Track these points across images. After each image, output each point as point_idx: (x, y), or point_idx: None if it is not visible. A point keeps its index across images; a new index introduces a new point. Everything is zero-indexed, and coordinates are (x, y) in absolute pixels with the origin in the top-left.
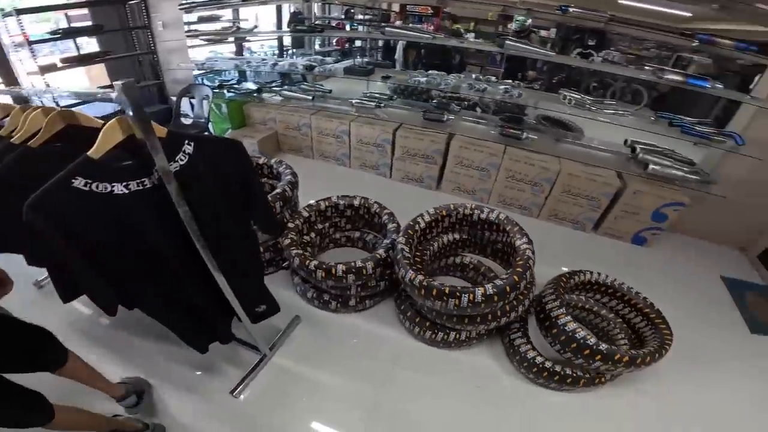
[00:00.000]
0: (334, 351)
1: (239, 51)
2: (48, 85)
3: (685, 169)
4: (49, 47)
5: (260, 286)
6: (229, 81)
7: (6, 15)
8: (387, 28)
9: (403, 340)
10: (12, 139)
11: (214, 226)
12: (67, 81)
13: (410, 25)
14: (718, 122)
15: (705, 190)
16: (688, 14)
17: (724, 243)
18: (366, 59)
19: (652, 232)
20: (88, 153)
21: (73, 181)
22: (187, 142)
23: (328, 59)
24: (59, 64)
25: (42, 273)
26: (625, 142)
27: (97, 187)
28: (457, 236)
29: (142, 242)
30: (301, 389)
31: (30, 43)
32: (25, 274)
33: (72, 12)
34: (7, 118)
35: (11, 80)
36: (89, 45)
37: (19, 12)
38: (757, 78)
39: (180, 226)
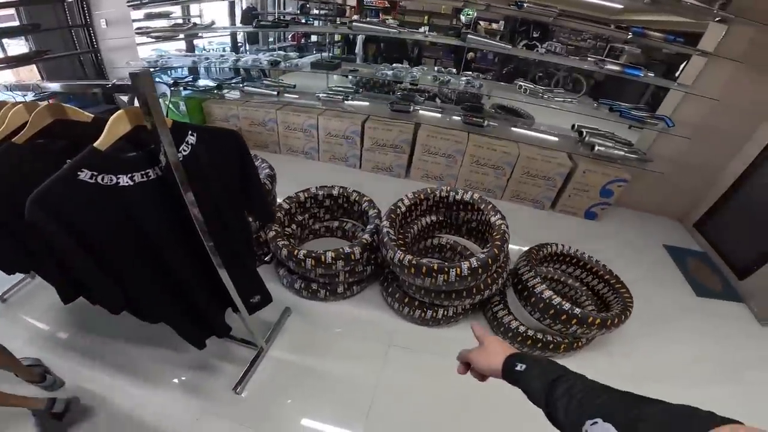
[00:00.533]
0: (328, 338)
1: (190, 48)
2: None
3: (625, 149)
4: None
5: (255, 277)
6: (183, 78)
7: None
8: (354, 24)
9: (393, 321)
10: None
11: (215, 217)
12: None
13: (368, 19)
14: (649, 107)
15: (643, 167)
16: (620, 6)
17: (663, 214)
18: (331, 54)
19: (601, 207)
20: (95, 144)
21: (79, 173)
22: (190, 132)
23: (292, 54)
24: None
25: (5, 286)
26: (573, 126)
27: (102, 179)
28: (434, 218)
29: (145, 235)
30: (301, 379)
31: None
32: None
33: None
34: None
35: None
36: (14, 46)
37: None
38: (682, 66)
39: (182, 218)
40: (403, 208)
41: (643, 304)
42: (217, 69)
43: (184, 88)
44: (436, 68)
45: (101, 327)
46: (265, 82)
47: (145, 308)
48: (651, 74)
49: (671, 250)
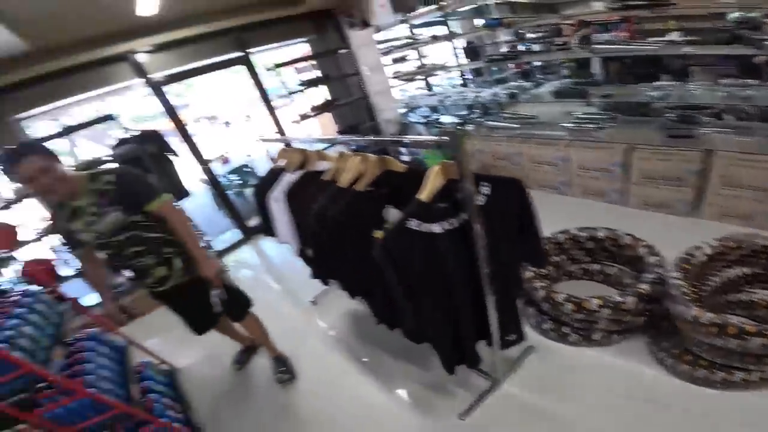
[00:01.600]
0: (569, 384)
1: (428, 86)
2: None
3: None
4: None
5: (516, 317)
6: (429, 117)
7: (270, 69)
8: (594, 45)
9: (659, 378)
10: (338, 183)
11: (496, 258)
12: (303, 128)
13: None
14: None
15: None
16: None
17: None
18: (563, 77)
19: None
20: (420, 197)
21: (408, 222)
22: (482, 183)
23: (526, 84)
24: (310, 113)
25: (314, 292)
26: None
27: (421, 227)
28: (746, 270)
29: (443, 273)
30: (530, 420)
31: (290, 93)
32: (306, 294)
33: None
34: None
35: (278, 128)
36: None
37: (278, 66)
38: None
39: (471, 259)
40: (703, 258)
41: None
42: (450, 105)
43: (433, 126)
44: (723, 81)
45: (373, 337)
46: (503, 115)
47: (423, 331)
48: None
49: None
